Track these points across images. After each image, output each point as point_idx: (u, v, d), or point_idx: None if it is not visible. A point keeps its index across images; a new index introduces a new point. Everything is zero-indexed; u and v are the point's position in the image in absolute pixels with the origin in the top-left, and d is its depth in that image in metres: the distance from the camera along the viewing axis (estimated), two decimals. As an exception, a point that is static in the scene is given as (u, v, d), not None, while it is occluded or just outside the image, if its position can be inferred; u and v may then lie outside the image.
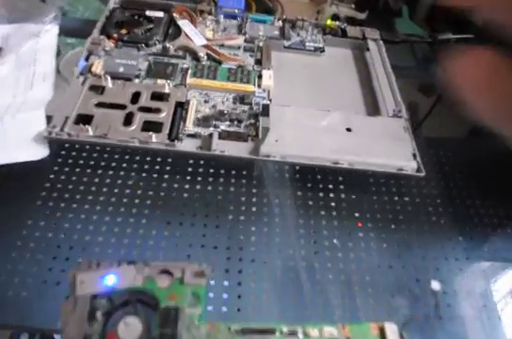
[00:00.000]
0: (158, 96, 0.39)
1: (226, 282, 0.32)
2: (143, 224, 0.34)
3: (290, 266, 0.34)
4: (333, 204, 0.37)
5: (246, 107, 0.39)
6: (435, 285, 0.29)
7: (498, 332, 0.31)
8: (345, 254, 0.34)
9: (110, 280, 0.26)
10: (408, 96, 0.47)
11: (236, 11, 0.48)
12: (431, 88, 0.52)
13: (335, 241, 0.35)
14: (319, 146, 0.36)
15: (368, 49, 0.47)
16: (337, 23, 0.49)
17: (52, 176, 0.36)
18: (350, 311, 0.31)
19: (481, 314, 0.32)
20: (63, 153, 0.38)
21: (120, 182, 0.37)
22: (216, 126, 0.37)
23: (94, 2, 0.54)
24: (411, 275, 0.33)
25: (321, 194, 0.38)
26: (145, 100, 0.38)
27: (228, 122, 0.38)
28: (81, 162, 0.37)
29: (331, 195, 0.38)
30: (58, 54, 0.44)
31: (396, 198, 0.38)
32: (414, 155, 0.36)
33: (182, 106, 0.38)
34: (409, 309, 0.31)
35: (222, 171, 0.39)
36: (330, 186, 0.39)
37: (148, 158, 0.39)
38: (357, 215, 0.37)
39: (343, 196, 0.38)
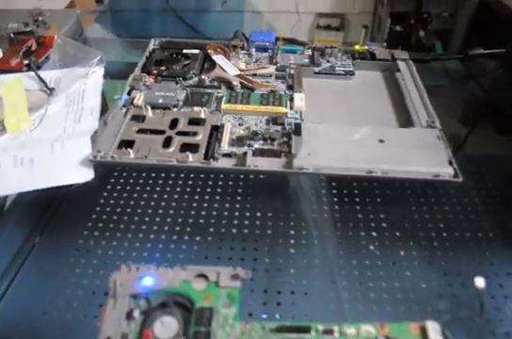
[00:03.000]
0: (195, 121, 0.41)
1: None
2: (174, 240, 0.35)
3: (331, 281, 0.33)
4: (372, 217, 0.37)
5: (279, 128, 0.40)
6: (479, 282, 0.27)
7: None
8: (388, 270, 0.33)
9: (148, 281, 0.27)
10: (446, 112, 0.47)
11: (267, 44, 0.51)
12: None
13: (371, 247, 0.34)
14: (352, 157, 0.36)
15: (398, 70, 0.48)
16: (365, 47, 0.50)
17: (102, 200, 0.38)
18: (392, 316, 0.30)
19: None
20: (111, 176, 0.40)
21: (163, 204, 0.38)
22: (250, 145, 0.38)
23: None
24: (456, 281, 0.32)
25: (358, 207, 0.38)
26: (183, 125, 0.40)
27: (261, 141, 0.39)
28: (128, 186, 0.39)
29: (369, 208, 0.38)
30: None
31: (436, 208, 0.37)
32: (450, 162, 0.36)
33: (217, 130, 0.40)
34: (453, 310, 0.29)
35: (258, 189, 0.39)
36: (367, 200, 0.38)
37: (190, 182, 0.40)
38: (398, 233, 0.36)
39: (381, 208, 0.37)
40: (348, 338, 0.24)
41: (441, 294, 0.31)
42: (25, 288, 0.32)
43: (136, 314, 0.25)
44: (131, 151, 0.37)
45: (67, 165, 0.37)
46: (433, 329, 0.24)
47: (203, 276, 0.28)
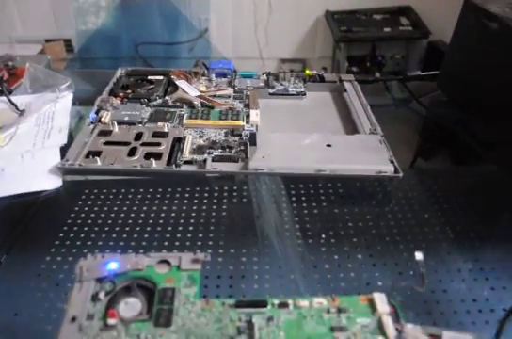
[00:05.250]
0: (158, 135, 0.44)
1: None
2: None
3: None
4: (328, 218, 0.39)
5: (236, 138, 0.44)
6: (418, 256, 0.30)
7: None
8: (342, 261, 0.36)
9: (113, 265, 0.29)
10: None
11: (226, 71, 0.55)
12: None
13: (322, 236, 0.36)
14: (303, 159, 0.39)
15: (345, 90, 0.53)
16: (314, 71, 0.55)
17: (69, 220, 0.38)
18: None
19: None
20: (80, 193, 0.41)
21: (125, 209, 0.39)
22: (209, 153, 0.42)
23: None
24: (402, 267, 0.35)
25: (314, 204, 0.40)
26: (147, 137, 0.43)
27: (220, 150, 0.42)
28: (97, 202, 0.40)
29: (324, 205, 0.40)
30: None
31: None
32: (391, 161, 0.40)
33: (179, 141, 0.43)
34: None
35: (222, 194, 0.41)
36: (323, 198, 0.41)
37: (150, 190, 0.42)
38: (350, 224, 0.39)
39: (336, 208, 0.40)
40: (302, 310, 0.27)
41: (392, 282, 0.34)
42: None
43: (102, 295, 0.27)
44: (98, 159, 0.39)
45: (36, 173, 0.39)
46: (380, 299, 0.27)
47: (166, 261, 0.30)
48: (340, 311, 0.27)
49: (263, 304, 0.27)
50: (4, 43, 1.56)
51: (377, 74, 1.49)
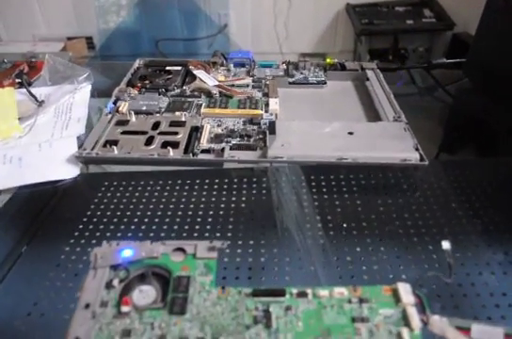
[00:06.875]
0: (176, 124, 0.43)
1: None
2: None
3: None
4: (350, 209, 0.38)
5: (255, 127, 0.43)
6: (445, 245, 0.29)
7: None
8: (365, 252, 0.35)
9: (127, 253, 0.28)
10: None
11: (245, 60, 0.55)
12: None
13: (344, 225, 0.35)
14: (323, 147, 0.38)
15: (368, 79, 0.51)
16: (336, 60, 0.54)
17: (89, 212, 0.38)
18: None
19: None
20: (100, 186, 0.40)
21: (143, 200, 0.39)
22: (227, 142, 0.41)
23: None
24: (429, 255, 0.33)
25: (335, 196, 0.39)
26: (164, 127, 0.42)
27: (238, 138, 0.41)
28: (116, 194, 0.39)
29: (346, 196, 0.39)
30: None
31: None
32: (416, 148, 0.38)
33: (197, 130, 0.42)
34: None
35: (241, 185, 0.40)
36: (345, 189, 0.39)
37: (169, 181, 0.41)
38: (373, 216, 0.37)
39: (358, 199, 0.39)
40: (322, 300, 0.26)
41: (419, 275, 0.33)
42: (11, 293, 0.33)
43: (116, 283, 0.27)
44: (115, 148, 0.39)
45: (54, 162, 0.38)
46: (404, 289, 0.26)
47: (181, 249, 0.29)
48: (362, 301, 0.25)
49: (281, 293, 0.26)
50: (27, 41, 1.58)
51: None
